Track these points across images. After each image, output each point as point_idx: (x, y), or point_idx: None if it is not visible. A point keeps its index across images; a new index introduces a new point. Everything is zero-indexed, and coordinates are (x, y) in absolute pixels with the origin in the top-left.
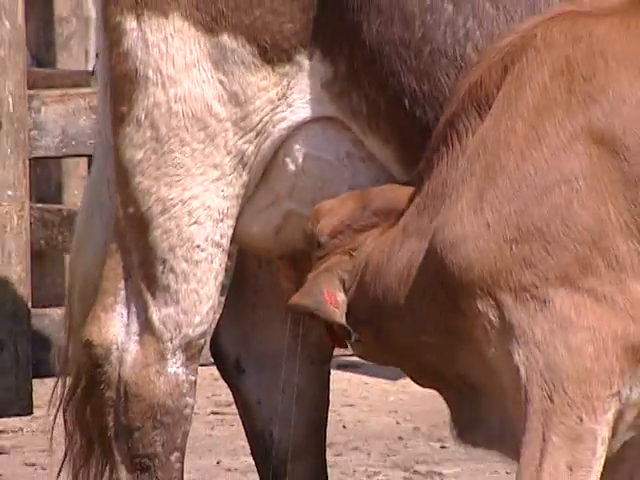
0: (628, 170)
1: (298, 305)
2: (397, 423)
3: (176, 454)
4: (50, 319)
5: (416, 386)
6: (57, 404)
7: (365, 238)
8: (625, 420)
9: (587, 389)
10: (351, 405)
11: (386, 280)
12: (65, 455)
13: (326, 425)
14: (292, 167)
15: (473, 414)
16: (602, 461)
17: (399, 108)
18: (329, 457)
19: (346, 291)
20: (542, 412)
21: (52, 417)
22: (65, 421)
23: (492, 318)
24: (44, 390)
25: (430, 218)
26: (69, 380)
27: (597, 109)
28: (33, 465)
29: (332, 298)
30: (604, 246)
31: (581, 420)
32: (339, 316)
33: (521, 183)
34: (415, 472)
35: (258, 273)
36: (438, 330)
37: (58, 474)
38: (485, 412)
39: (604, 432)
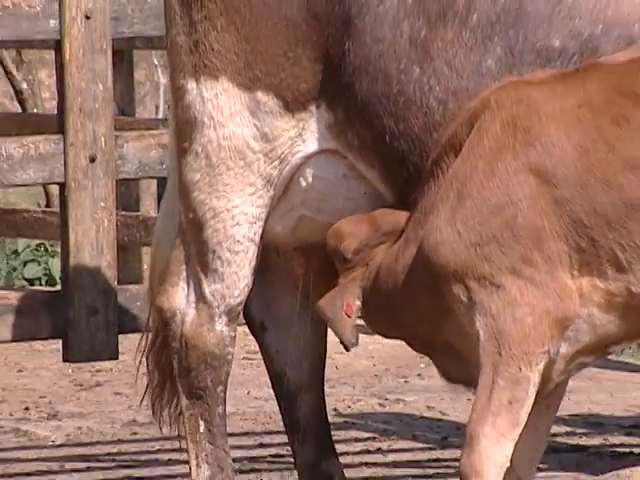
0: (556, 194)
1: (322, 310)
2: (374, 365)
3: (221, 387)
4: (130, 292)
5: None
6: (141, 352)
7: (377, 251)
8: (558, 367)
9: (526, 348)
10: (341, 352)
11: (395, 275)
12: (146, 388)
13: (324, 367)
14: (304, 184)
15: (456, 366)
16: (533, 398)
17: (382, 142)
18: (326, 389)
19: (364, 290)
20: (493, 363)
21: (137, 361)
22: (147, 364)
23: (463, 298)
24: (127, 342)
25: (422, 230)
26: (150, 336)
27: (534, 151)
28: (119, 394)
29: (349, 308)
30: (540, 247)
31: (520, 369)
32: (348, 328)
33: (482, 204)
34: (386, 399)
35: (276, 260)
36: (430, 308)
37: (141, 401)
38: (466, 364)
39: (536, 378)
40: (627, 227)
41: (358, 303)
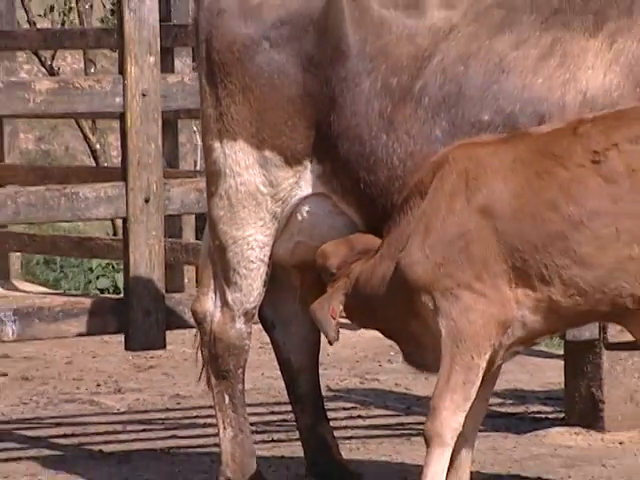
0: (497, 227)
1: (313, 313)
2: (356, 353)
3: (240, 370)
4: (175, 299)
5: (367, 332)
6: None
7: (355, 266)
8: (499, 355)
9: (477, 342)
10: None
11: (373, 285)
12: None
13: (319, 354)
14: (300, 218)
15: (419, 352)
16: (480, 379)
17: (358, 189)
18: (320, 371)
19: (346, 296)
20: (451, 353)
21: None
22: (202, 352)
23: (429, 305)
24: (172, 336)
25: (396, 251)
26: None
27: (481, 195)
28: (167, 374)
29: (334, 311)
30: (487, 267)
31: (472, 358)
32: (332, 328)
33: (444, 235)
34: (365, 378)
35: (281, 275)
36: (402, 311)
37: (199, 377)
38: (426, 351)
39: (483, 365)
40: (548, 251)
41: (341, 307)
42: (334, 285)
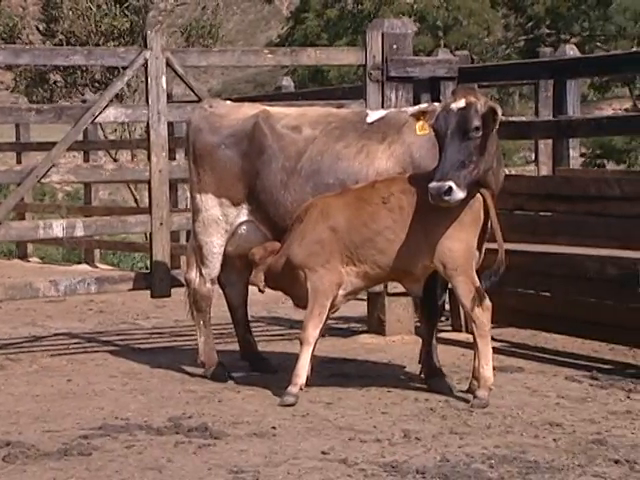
0: (338, 236)
1: (251, 280)
2: (267, 297)
3: (208, 307)
4: (176, 272)
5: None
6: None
7: (268, 259)
8: (339, 300)
9: (326, 294)
10: (253, 295)
11: (277, 267)
12: (190, 308)
13: (247, 300)
14: (240, 232)
15: (297, 300)
16: (327, 312)
17: (268, 219)
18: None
19: (264, 273)
20: (313, 299)
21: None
22: (189, 299)
23: (303, 275)
24: (174, 290)
25: (288, 249)
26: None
27: (330, 221)
28: (172, 310)
29: (259, 278)
30: (332, 256)
31: (323, 301)
32: (262, 285)
33: (311, 240)
34: (271, 311)
35: (230, 260)
36: (293, 280)
37: (187, 311)
38: (301, 299)
39: (328, 305)
40: (364, 247)
41: (262, 277)
42: (257, 268)
